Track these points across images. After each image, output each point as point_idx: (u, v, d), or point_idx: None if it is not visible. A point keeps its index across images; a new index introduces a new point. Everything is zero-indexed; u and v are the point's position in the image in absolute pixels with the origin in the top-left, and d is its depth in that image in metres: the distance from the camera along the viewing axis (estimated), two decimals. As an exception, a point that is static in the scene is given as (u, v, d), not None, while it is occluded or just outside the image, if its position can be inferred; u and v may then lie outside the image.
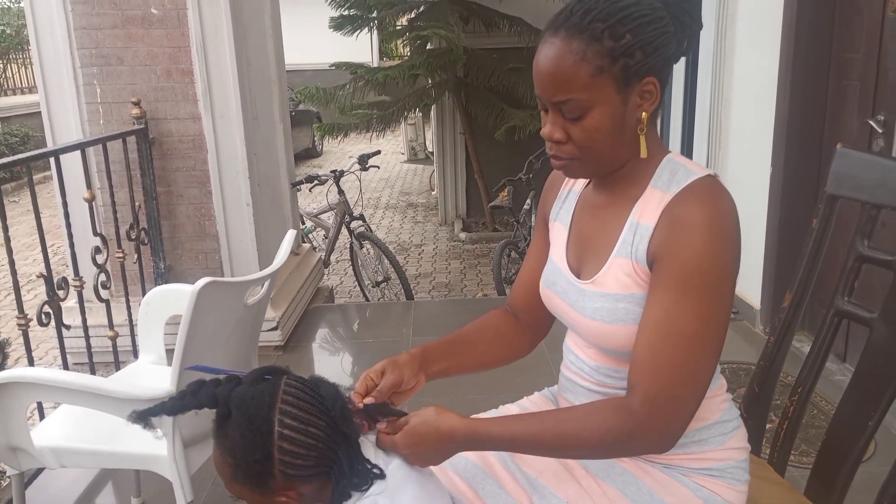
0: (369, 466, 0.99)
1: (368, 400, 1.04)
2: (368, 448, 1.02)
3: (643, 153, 1.01)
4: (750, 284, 3.41)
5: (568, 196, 1.19)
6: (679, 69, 4.13)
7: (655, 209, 1.00)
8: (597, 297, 1.04)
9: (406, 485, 0.99)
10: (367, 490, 0.97)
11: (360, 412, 1.02)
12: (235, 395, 0.95)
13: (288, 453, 0.92)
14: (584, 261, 1.10)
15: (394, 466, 1.00)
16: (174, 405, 0.96)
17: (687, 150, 4.08)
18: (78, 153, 2.58)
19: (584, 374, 1.12)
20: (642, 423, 0.94)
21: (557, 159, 1.03)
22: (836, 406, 1.20)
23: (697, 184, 0.98)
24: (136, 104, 3.01)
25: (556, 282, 1.14)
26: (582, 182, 1.17)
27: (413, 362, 1.12)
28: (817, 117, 3.02)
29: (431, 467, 1.09)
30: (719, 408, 1.10)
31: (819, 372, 1.26)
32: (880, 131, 2.62)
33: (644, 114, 0.99)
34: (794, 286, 1.29)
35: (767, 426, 1.39)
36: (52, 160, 2.43)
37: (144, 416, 0.98)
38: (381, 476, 0.99)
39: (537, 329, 1.28)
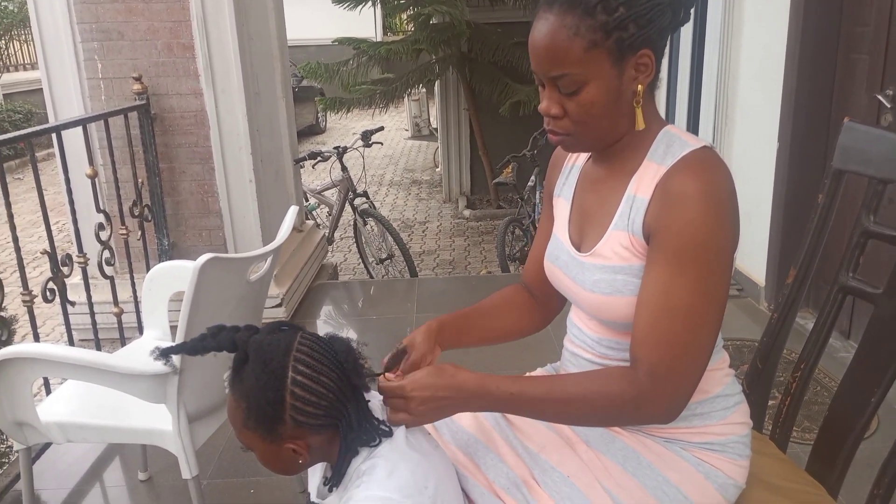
0: (377, 423, 1.01)
1: (390, 375, 1.05)
2: (377, 410, 1.04)
3: (640, 125, 1.00)
4: (754, 261, 3.40)
5: (571, 171, 1.19)
6: (686, 42, 4.08)
7: (651, 182, 1.00)
8: (595, 269, 1.05)
9: (410, 450, 1.00)
10: (376, 446, 0.99)
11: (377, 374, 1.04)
12: (253, 341, 0.97)
13: (299, 399, 0.94)
14: (585, 234, 1.11)
15: (400, 431, 1.01)
16: (195, 345, 0.99)
17: (693, 124, 4.05)
18: (80, 129, 2.57)
19: (586, 346, 1.13)
20: (646, 394, 0.95)
21: (555, 134, 1.04)
22: (838, 382, 1.20)
23: (691, 156, 0.98)
24: (138, 79, 2.99)
25: (559, 256, 1.14)
26: (584, 157, 1.17)
27: (430, 337, 1.14)
28: (825, 92, 2.99)
29: (436, 440, 1.09)
30: (721, 381, 1.10)
31: (822, 348, 1.26)
32: (888, 106, 2.58)
33: (640, 86, 0.98)
34: (798, 262, 1.28)
35: (770, 402, 1.39)
36: (53, 136, 2.43)
37: (166, 353, 1.02)
38: (389, 433, 1.01)
39: (551, 304, 1.29)
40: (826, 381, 2.62)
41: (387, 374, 1.06)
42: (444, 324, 1.18)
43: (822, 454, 1.22)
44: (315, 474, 1.14)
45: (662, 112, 4.30)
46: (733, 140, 3.62)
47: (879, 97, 2.61)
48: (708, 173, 0.96)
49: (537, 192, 4.81)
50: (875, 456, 1.18)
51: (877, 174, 1.16)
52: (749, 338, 3.00)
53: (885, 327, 1.12)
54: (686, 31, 4.00)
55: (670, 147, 1.01)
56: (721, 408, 1.09)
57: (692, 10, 1.02)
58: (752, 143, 3.44)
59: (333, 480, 1.02)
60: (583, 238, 1.11)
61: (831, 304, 1.23)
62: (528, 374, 1.32)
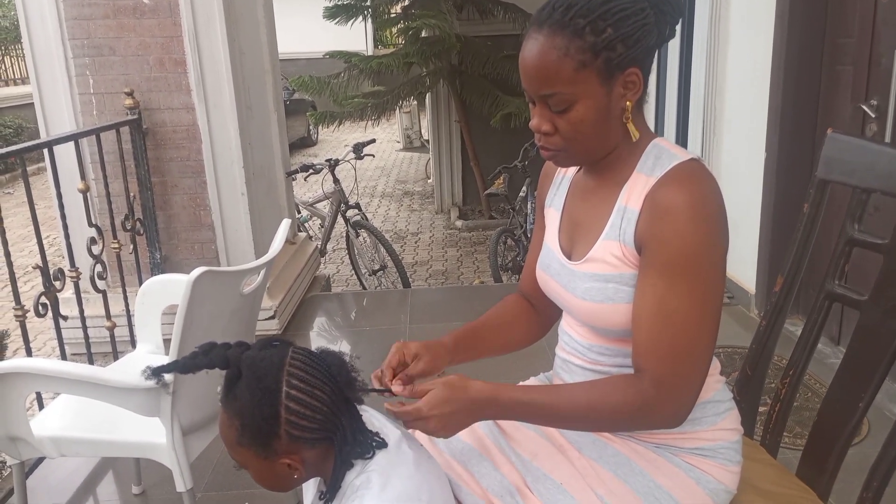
0: (371, 435, 1.02)
1: (397, 385, 1.06)
2: (370, 423, 1.04)
3: (635, 136, 1.03)
4: (744, 269, 3.43)
5: (562, 182, 1.21)
6: (673, 55, 4.13)
7: (640, 193, 1.02)
8: (587, 277, 1.07)
9: (403, 463, 1.01)
10: (370, 458, 1.00)
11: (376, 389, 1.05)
12: (246, 357, 0.97)
13: (294, 413, 0.95)
14: (576, 243, 1.13)
15: (393, 444, 1.02)
16: (186, 364, 0.99)
17: (681, 136, 4.09)
18: (72, 144, 2.58)
19: (577, 353, 1.14)
20: (653, 402, 0.98)
21: (546, 150, 1.06)
22: (827, 388, 1.22)
23: (679, 168, 1.00)
24: (130, 94, 3.00)
25: (550, 264, 1.16)
26: (575, 168, 1.19)
27: (445, 355, 1.16)
28: (810, 102, 3.03)
29: (428, 449, 1.10)
30: (713, 388, 1.12)
31: (811, 354, 1.28)
32: (873, 116, 2.62)
33: (628, 103, 1.01)
34: (785, 270, 1.30)
35: (760, 408, 1.41)
36: (45, 151, 2.43)
37: (158, 372, 1.01)
38: (384, 444, 1.01)
39: (550, 313, 1.31)
40: (817, 386, 2.64)
41: (391, 382, 1.07)
42: (457, 340, 1.20)
43: (813, 459, 1.23)
44: (309, 490, 1.14)
45: (651, 125, 4.34)
46: (721, 150, 3.65)
47: (864, 107, 2.65)
48: (695, 186, 0.98)
49: (529, 203, 4.83)
50: (865, 460, 1.19)
51: (860, 184, 1.18)
52: (740, 345, 3.01)
53: (871, 333, 1.14)
54: (674, 45, 4.05)
55: (659, 159, 1.03)
56: (712, 413, 1.10)
57: (678, 27, 1.05)
58: (740, 153, 3.48)
59: (328, 495, 1.03)
60: (573, 247, 1.13)
61: (818, 311, 1.25)
62: (521, 383, 1.33)
